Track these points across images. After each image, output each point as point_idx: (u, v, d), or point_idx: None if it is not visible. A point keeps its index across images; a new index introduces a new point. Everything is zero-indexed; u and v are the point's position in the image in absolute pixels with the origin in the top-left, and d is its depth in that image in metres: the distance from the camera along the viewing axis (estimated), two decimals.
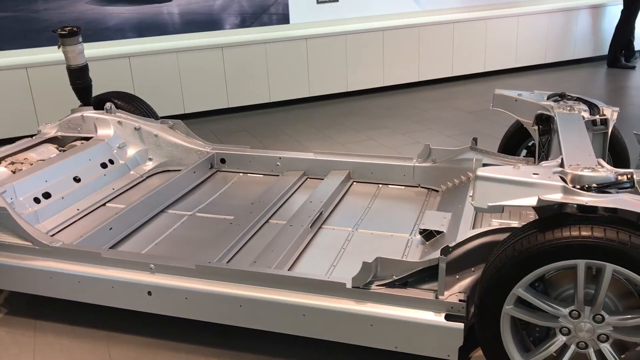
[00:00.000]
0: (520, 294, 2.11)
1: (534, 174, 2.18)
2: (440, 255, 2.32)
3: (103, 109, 4.18)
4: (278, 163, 4.08)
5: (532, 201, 2.08)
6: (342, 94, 7.23)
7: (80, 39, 4.11)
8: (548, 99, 3.37)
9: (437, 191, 3.68)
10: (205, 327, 2.78)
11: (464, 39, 7.60)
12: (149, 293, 2.68)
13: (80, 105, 4.34)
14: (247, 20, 7.01)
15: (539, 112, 3.28)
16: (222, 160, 4.21)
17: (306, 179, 3.98)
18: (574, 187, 2.09)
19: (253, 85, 6.82)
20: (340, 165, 3.94)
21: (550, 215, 2.15)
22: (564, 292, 2.16)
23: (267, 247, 2.99)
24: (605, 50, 8.28)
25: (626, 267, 1.95)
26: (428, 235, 2.97)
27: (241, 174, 4.15)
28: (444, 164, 3.68)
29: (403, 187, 3.80)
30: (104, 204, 3.68)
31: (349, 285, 2.44)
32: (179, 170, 4.11)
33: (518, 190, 2.13)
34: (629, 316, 2.07)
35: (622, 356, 2.15)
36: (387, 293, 2.39)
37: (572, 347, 2.13)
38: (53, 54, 6.08)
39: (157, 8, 6.59)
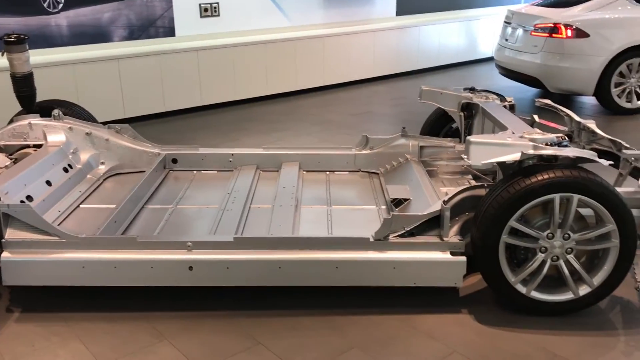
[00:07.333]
0: (514, 225, 2.85)
1: (508, 138, 2.96)
2: (443, 206, 2.99)
3: (49, 117, 4.21)
4: (230, 159, 4.45)
5: (516, 156, 2.83)
6: (232, 103, 7.65)
7: (27, 47, 4.11)
8: (464, 91, 4.25)
9: (377, 173, 4.37)
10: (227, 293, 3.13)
11: (332, 51, 8.47)
12: (190, 268, 2.97)
13: (21, 113, 4.30)
14: (135, 33, 7.13)
15: (463, 101, 4.15)
16: (174, 160, 4.46)
17: (260, 172, 4.41)
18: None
19: (148, 94, 6.95)
20: (290, 157, 4.45)
21: (522, 168, 2.93)
22: (537, 223, 2.95)
23: (273, 222, 3.43)
24: None
25: (586, 195, 2.79)
26: (397, 203, 3.64)
27: (195, 172, 4.45)
28: (380, 150, 4.39)
29: (348, 172, 4.42)
30: (77, 206, 3.78)
31: (371, 240, 3.01)
32: (133, 172, 4.31)
33: (503, 149, 2.88)
34: (585, 232, 2.92)
35: (580, 261, 2.99)
36: (405, 241, 3.00)
37: (548, 262, 2.92)
38: None
39: (44, 20, 6.46)
